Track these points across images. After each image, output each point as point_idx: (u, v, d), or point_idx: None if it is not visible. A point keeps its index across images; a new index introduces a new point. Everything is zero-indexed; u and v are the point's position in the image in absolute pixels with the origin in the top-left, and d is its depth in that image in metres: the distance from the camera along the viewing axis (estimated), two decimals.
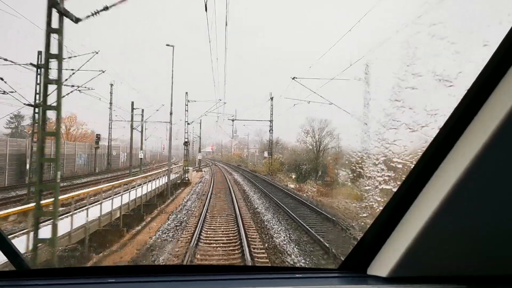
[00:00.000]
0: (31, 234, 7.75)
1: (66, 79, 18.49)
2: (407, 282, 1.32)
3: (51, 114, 8.17)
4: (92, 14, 8.13)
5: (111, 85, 38.74)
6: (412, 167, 1.30)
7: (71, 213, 10.26)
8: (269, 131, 46.62)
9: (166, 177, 25.00)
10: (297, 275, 1.57)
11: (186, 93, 35.56)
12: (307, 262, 9.94)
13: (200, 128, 58.31)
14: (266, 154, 49.15)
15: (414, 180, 1.26)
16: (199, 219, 14.68)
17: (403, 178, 1.35)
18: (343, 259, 1.59)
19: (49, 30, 7.62)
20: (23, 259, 1.64)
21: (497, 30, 1.02)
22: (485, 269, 1.28)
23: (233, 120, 46.00)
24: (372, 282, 1.38)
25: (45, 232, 7.97)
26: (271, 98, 45.09)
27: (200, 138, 60.78)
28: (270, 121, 46.09)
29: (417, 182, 1.23)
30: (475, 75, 1.06)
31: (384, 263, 1.37)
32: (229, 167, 64.55)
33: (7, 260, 1.57)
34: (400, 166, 1.79)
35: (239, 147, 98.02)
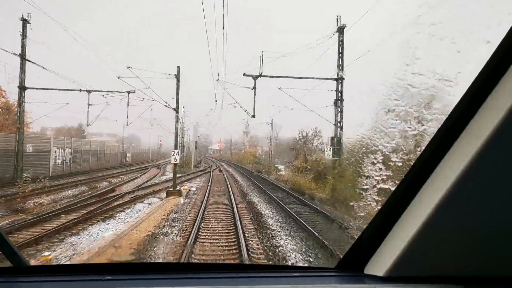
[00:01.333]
0: None
1: None
2: (405, 282, 1.32)
3: None
4: None
5: (24, 20, 19.40)
6: (410, 166, 1.30)
7: None
8: (336, 102, 20.85)
9: None
10: (294, 274, 1.57)
11: None
12: None
13: (178, 81, 20.67)
14: (327, 151, 22.63)
15: (412, 179, 1.25)
16: None
17: (401, 177, 1.35)
18: (341, 257, 1.59)
19: None
20: (20, 255, 1.63)
21: (497, 30, 1.02)
22: (483, 270, 1.28)
23: (254, 78, 21.57)
24: (369, 282, 1.38)
25: None
26: (341, 29, 20.52)
27: (178, 103, 21.20)
28: (337, 79, 20.79)
29: (415, 181, 1.23)
30: (475, 75, 1.06)
31: (382, 262, 1.37)
32: (244, 177, 33.92)
33: (4, 256, 1.57)
34: (400, 164, 1.79)
35: (253, 143, 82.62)
